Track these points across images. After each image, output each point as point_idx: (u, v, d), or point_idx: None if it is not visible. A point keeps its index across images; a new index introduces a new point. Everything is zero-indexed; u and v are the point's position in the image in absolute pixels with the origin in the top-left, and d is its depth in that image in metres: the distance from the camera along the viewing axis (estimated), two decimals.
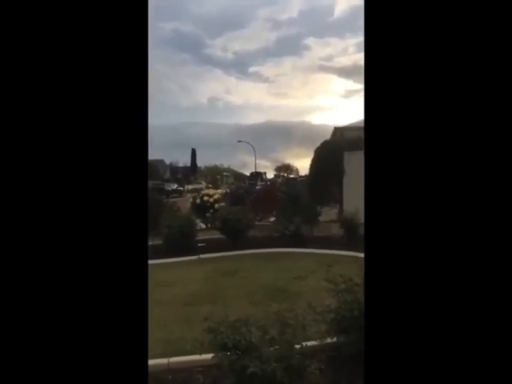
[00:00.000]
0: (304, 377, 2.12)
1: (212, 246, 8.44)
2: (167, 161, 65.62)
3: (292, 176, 47.43)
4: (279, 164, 60.99)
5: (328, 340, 3.15)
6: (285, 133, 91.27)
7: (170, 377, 2.93)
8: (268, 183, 26.66)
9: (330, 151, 11.28)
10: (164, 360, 3.11)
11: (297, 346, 2.40)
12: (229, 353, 2.17)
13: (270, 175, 52.33)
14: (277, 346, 2.19)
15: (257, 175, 33.43)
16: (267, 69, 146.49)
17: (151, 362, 3.13)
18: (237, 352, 2.16)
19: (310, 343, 2.79)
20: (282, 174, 54.68)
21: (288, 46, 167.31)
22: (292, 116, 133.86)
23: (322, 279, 3.42)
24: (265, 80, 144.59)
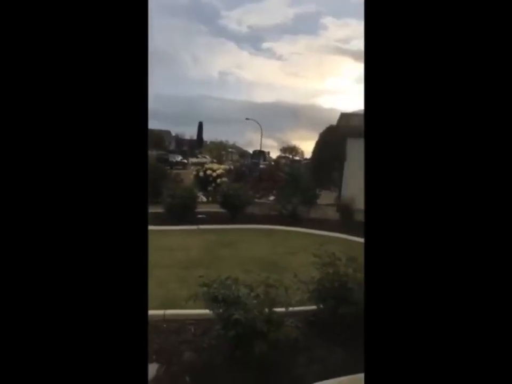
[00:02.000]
0: (281, 329, 2.46)
1: (212, 219, 8.80)
2: (173, 133, 65.67)
3: (296, 158, 47.47)
4: (285, 145, 60.86)
5: (309, 307, 3.52)
6: (294, 114, 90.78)
7: (165, 325, 3.30)
8: (272, 163, 26.81)
9: (335, 136, 11.49)
10: (160, 312, 3.48)
11: (282, 309, 2.75)
12: (218, 304, 2.51)
13: (276, 155, 52.40)
14: (260, 302, 2.53)
15: (260, 154, 33.54)
16: (281, 46, 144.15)
17: (149, 312, 3.51)
18: (226, 304, 2.50)
19: (292, 309, 3.13)
20: (287, 155, 54.64)
21: (305, 24, 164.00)
22: (302, 97, 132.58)
23: (311, 254, 3.75)
24: (279, 57, 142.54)
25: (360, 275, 3.41)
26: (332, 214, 9.40)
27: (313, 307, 3.50)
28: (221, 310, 2.50)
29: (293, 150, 59.24)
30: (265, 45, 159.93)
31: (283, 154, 54.28)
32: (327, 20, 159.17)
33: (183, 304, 3.59)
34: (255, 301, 2.50)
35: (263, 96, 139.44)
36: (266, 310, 2.50)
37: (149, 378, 2.60)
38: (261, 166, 20.70)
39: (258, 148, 44.02)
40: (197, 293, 2.65)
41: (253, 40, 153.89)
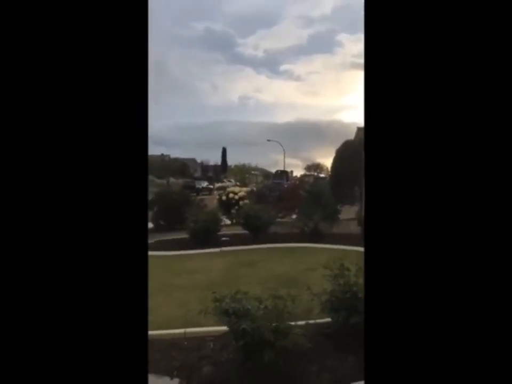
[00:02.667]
0: (288, 338, 2.58)
1: (235, 240, 8.98)
2: (199, 160, 67.14)
3: (322, 175, 47.36)
4: (310, 163, 60.95)
5: (323, 320, 3.61)
6: (316, 132, 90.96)
7: (186, 343, 3.47)
8: (297, 182, 26.92)
9: (352, 150, 11.59)
10: (181, 330, 3.66)
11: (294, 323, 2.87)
12: (229, 318, 2.67)
13: (301, 174, 52.55)
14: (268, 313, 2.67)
15: (282, 174, 33.64)
16: (298, 67, 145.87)
17: (170, 331, 3.70)
18: (236, 317, 2.65)
19: (305, 322, 3.25)
20: (312, 173, 54.57)
21: (320, 43, 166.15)
22: (323, 114, 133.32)
23: (322, 266, 3.86)
24: (297, 78, 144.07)
25: None
26: (354, 228, 9.40)
27: (327, 319, 3.59)
28: (231, 320, 2.66)
29: (317, 167, 59.27)
30: (282, 67, 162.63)
31: (308, 173, 54.34)
32: (342, 37, 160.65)
33: (203, 322, 3.78)
34: (262, 312, 2.65)
35: (284, 117, 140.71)
36: (274, 321, 2.63)
37: None
38: (285, 186, 20.86)
39: (282, 168, 44.29)
40: (208, 307, 2.82)
41: (270, 64, 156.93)
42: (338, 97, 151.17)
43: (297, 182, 21.54)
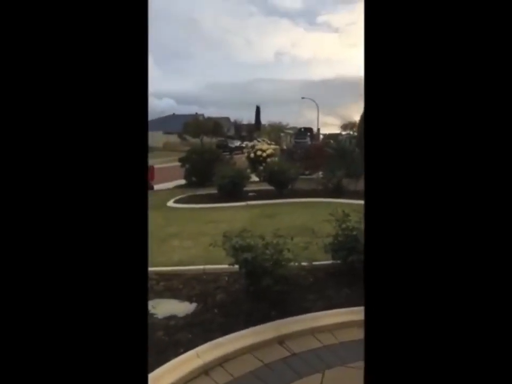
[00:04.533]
0: (285, 268, 3.03)
1: (261, 196, 9.48)
2: (232, 119, 67.13)
3: (357, 134, 46.34)
4: (346, 121, 59.56)
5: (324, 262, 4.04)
6: (355, 88, 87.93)
7: (204, 277, 4.02)
8: (327, 140, 26.70)
9: None
10: (201, 267, 4.20)
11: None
12: (236, 252, 3.14)
13: (337, 132, 51.57)
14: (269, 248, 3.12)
15: (305, 132, 32.73)
16: (338, 18, 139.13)
17: (192, 267, 4.26)
18: (242, 251, 3.12)
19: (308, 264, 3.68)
20: (348, 131, 53.51)
21: None
22: (362, 70, 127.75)
23: (328, 214, 4.24)
24: (336, 30, 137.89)
25: None
26: None
27: (329, 261, 4.01)
28: (238, 254, 3.13)
29: (354, 125, 57.72)
30: (320, 18, 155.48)
31: (344, 132, 53.30)
32: None
33: (221, 261, 4.31)
34: (263, 246, 3.09)
35: (321, 73, 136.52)
36: (275, 254, 3.07)
37: (188, 313, 3.32)
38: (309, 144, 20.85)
39: (317, 127, 43.57)
40: (216, 241, 3.31)
41: (307, 15, 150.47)
42: None
43: (327, 140, 21.46)
